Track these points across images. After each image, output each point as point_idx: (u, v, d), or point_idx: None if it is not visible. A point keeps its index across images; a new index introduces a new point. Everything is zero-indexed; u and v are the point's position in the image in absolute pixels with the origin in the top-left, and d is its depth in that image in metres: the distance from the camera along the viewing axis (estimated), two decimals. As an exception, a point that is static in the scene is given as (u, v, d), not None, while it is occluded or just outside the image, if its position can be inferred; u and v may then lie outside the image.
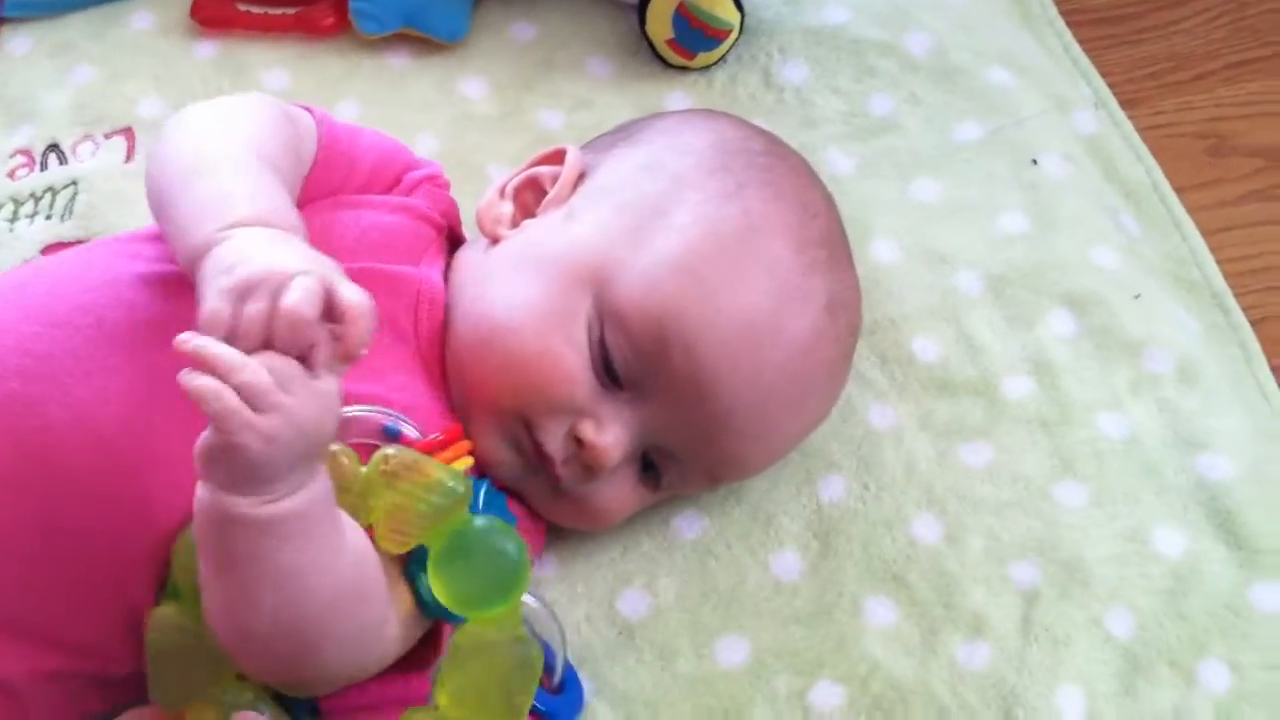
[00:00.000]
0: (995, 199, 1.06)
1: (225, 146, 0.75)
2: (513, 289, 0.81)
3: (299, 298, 0.59)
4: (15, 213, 1.02)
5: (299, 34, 1.12)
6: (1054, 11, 1.21)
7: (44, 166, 1.04)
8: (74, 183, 1.03)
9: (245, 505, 0.61)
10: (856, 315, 0.88)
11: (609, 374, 0.80)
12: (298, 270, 0.61)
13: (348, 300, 0.61)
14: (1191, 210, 1.09)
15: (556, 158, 0.88)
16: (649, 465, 0.84)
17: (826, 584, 0.88)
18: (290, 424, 0.59)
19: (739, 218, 0.82)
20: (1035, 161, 1.07)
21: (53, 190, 1.03)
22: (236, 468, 0.60)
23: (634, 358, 0.79)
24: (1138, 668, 0.86)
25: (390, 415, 0.75)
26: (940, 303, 1.00)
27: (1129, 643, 0.87)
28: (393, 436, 0.74)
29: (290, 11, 1.12)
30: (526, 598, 0.76)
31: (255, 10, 1.12)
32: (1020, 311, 1.00)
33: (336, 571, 0.65)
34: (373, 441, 0.73)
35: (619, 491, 0.83)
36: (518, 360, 0.79)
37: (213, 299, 0.61)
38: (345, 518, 0.67)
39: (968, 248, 1.02)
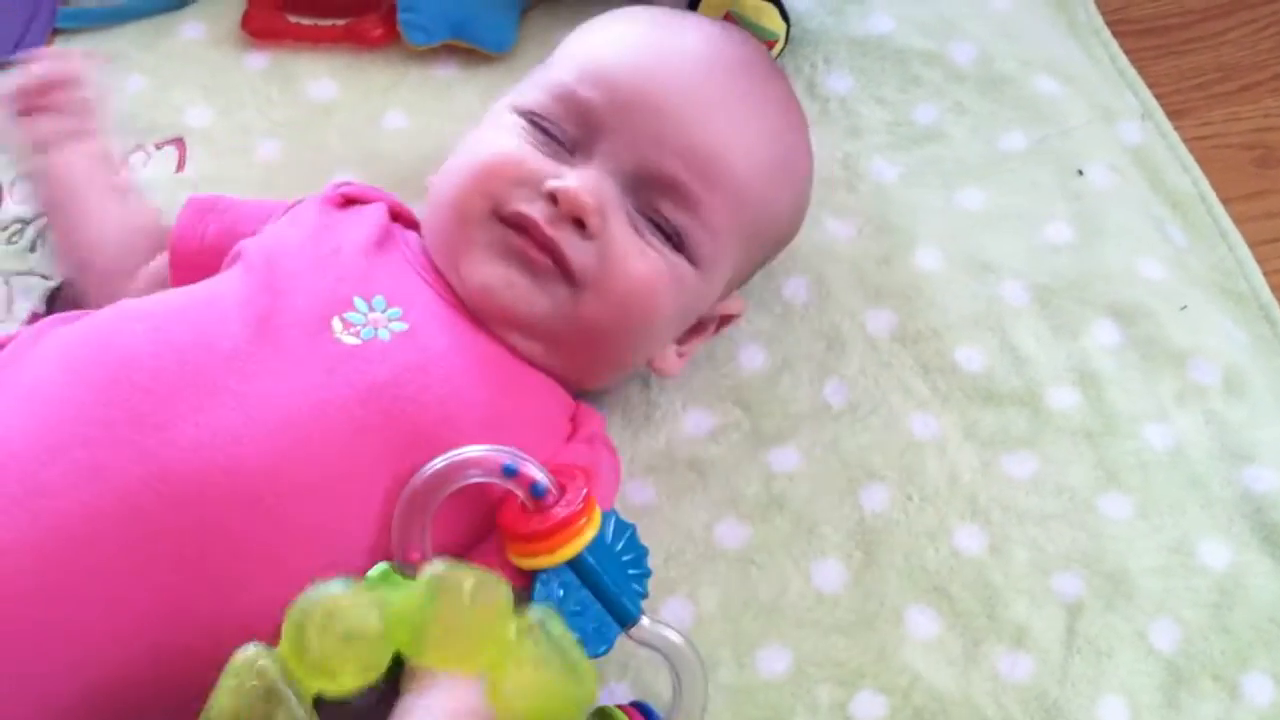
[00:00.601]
0: (1041, 208, 1.05)
1: None
2: (454, 158, 0.87)
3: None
4: (69, 221, 1.03)
5: (348, 45, 1.12)
6: (1100, 21, 1.21)
7: (97, 176, 1.05)
8: (126, 192, 1.04)
9: None
10: (759, 45, 0.94)
11: (551, 140, 0.84)
12: None
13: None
14: (1238, 221, 1.08)
15: None
16: (648, 224, 0.84)
17: (869, 594, 0.88)
18: None
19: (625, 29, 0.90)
20: (1081, 172, 1.07)
21: (105, 199, 1.04)
22: None
23: (564, 122, 0.84)
24: (1181, 680, 0.86)
25: (511, 454, 0.75)
26: (985, 312, 0.99)
27: (1173, 655, 0.87)
28: (511, 474, 0.75)
29: (340, 23, 1.13)
30: (672, 634, 0.78)
31: (305, 22, 1.13)
32: (1065, 322, 0.99)
33: None
34: (494, 480, 0.74)
35: (632, 248, 0.82)
36: (467, 170, 0.83)
37: None
38: None
39: (1013, 257, 1.02)
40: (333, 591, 0.64)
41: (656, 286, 0.83)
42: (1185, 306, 1.00)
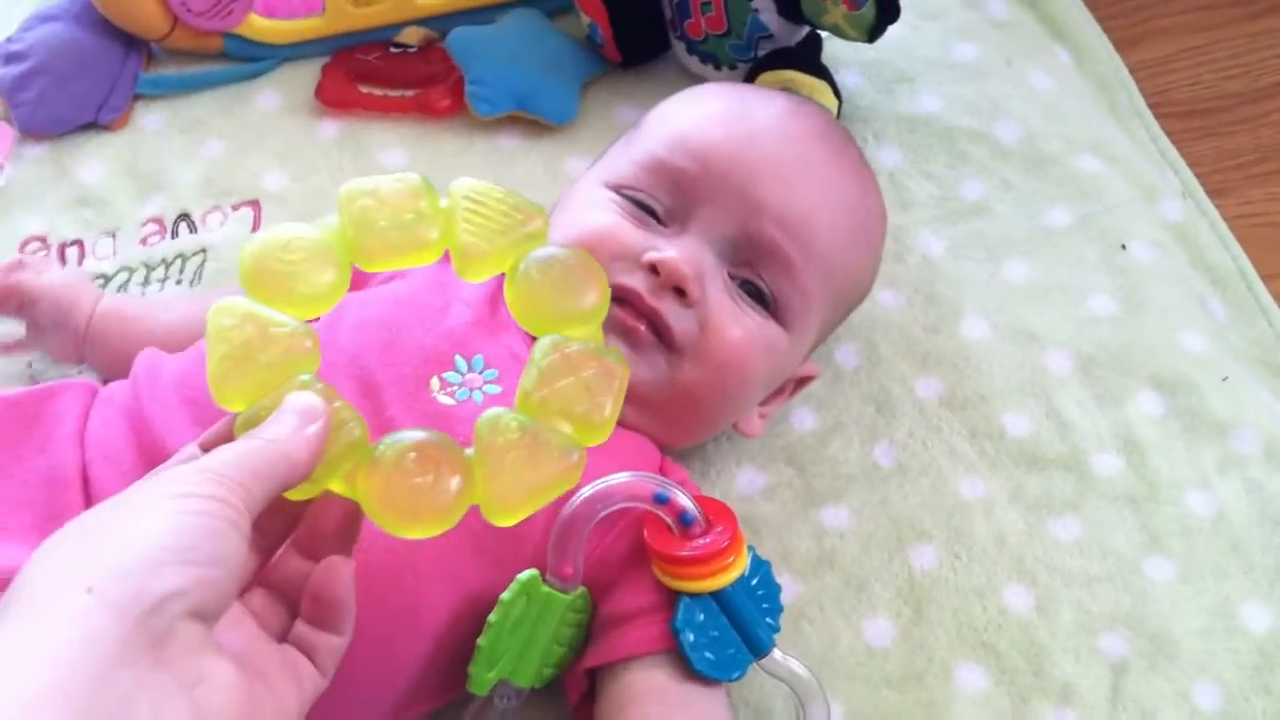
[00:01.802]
0: (1085, 282, 1.08)
1: None
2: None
3: None
4: (147, 277, 1.07)
5: (417, 115, 1.17)
6: (1142, 104, 1.24)
7: (174, 234, 1.09)
8: (203, 250, 1.08)
9: None
10: (827, 112, 0.96)
11: (648, 214, 0.87)
12: None
13: None
14: (1278, 298, 1.11)
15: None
16: (743, 290, 0.86)
17: (918, 650, 0.90)
18: None
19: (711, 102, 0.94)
20: (1124, 247, 1.10)
21: (183, 257, 1.08)
22: None
23: (658, 193, 0.87)
24: (1224, 740, 0.87)
25: (661, 483, 0.79)
26: (1030, 380, 1.02)
27: (1215, 716, 0.88)
28: (662, 502, 0.79)
29: (409, 94, 1.18)
30: (800, 667, 0.80)
31: (376, 92, 1.17)
32: (1109, 391, 1.02)
33: None
34: (646, 506, 0.79)
35: (729, 315, 0.85)
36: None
37: None
38: None
39: (1058, 328, 1.05)
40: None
41: (752, 351, 0.86)
42: (1226, 378, 1.03)
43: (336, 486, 0.65)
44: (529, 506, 0.65)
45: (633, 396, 0.84)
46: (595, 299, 0.72)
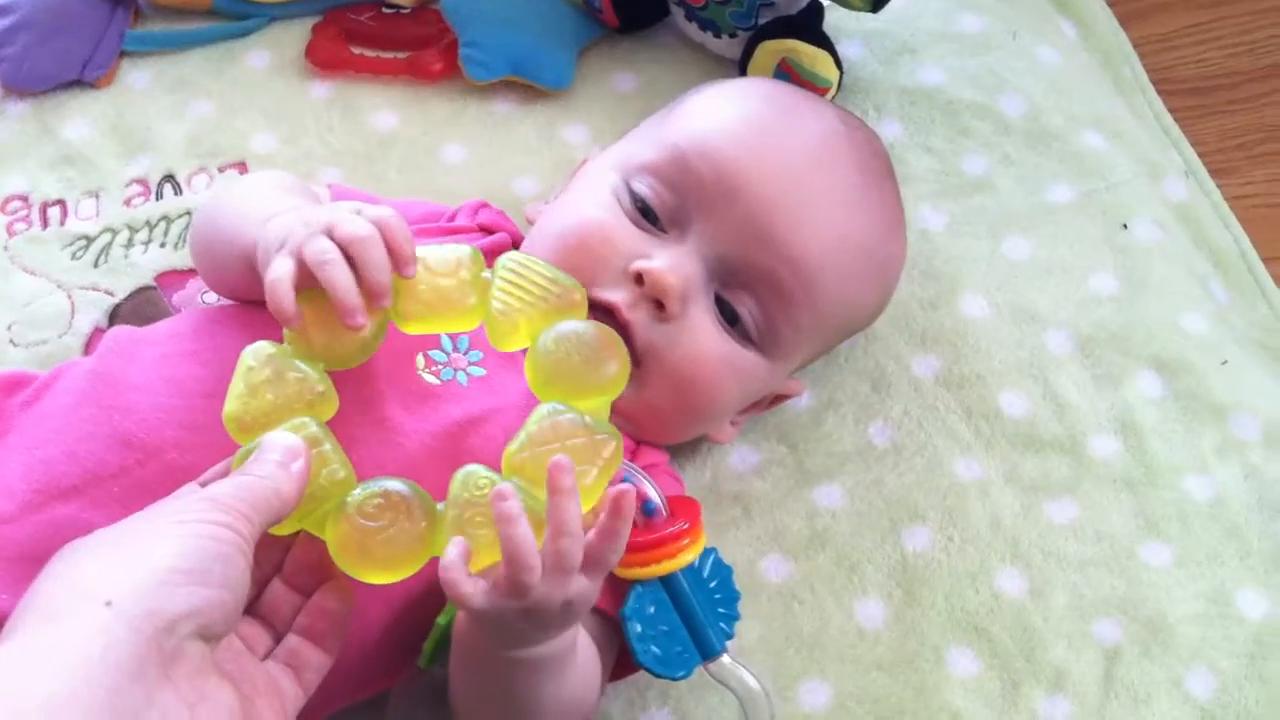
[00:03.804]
0: (1086, 260, 1.07)
1: (254, 187, 0.86)
2: (550, 214, 0.89)
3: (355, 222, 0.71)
4: (130, 239, 1.05)
5: (409, 78, 1.14)
6: (1145, 80, 1.22)
7: (159, 196, 1.07)
8: (188, 213, 1.06)
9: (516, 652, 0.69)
10: (876, 138, 0.93)
11: (647, 218, 0.85)
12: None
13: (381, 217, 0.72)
14: (1279, 280, 1.10)
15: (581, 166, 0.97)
16: (724, 312, 0.84)
17: (909, 632, 0.89)
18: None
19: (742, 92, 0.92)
20: (1126, 226, 1.08)
21: (167, 219, 1.06)
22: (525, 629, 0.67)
23: (665, 190, 0.85)
24: (1217, 728, 0.87)
25: (628, 467, 0.78)
26: (1028, 360, 1.01)
27: (1208, 704, 0.88)
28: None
29: (401, 56, 1.15)
30: (749, 678, 0.79)
31: (368, 53, 1.15)
32: (1108, 372, 1.01)
33: (569, 684, 0.73)
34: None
35: (705, 337, 0.83)
36: (560, 240, 0.84)
37: (275, 266, 0.71)
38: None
39: (1058, 307, 1.04)
40: None
41: (721, 377, 0.84)
42: (1226, 361, 1.02)
43: (311, 527, 0.68)
44: (487, 563, 0.67)
45: None
46: (609, 376, 0.72)
